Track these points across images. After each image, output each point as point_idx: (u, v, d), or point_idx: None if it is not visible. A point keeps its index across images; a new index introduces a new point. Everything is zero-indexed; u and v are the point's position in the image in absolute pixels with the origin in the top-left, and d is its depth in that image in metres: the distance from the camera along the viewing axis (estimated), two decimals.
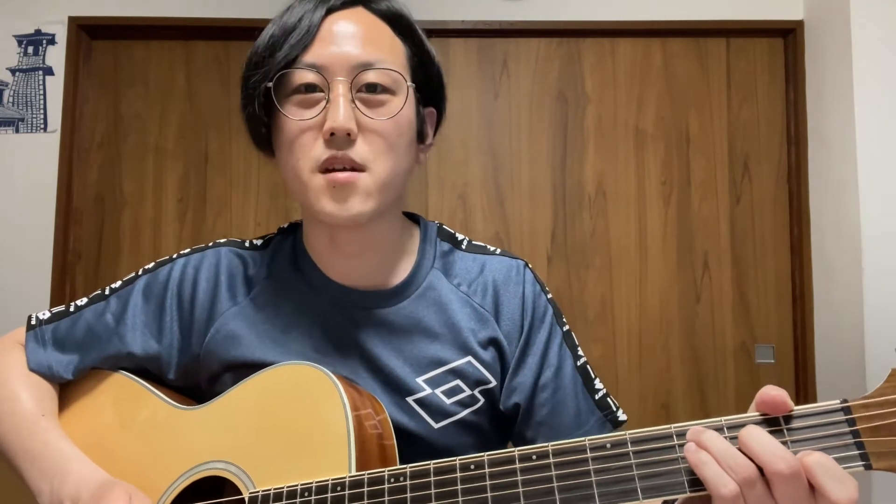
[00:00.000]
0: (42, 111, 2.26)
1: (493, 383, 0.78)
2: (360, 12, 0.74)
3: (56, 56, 2.27)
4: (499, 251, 0.84)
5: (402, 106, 0.72)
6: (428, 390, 0.76)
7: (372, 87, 0.70)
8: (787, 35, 2.36)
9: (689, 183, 2.36)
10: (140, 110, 2.34)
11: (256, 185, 2.34)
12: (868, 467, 0.47)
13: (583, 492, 0.54)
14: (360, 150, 0.69)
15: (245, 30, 2.30)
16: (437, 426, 0.75)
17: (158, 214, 2.32)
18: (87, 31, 2.32)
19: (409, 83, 0.73)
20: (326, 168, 0.69)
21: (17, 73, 2.26)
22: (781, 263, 2.34)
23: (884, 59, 2.01)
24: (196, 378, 0.81)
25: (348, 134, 0.68)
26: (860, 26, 2.04)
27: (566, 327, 0.83)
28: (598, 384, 0.81)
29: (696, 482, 0.51)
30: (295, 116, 0.70)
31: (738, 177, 2.36)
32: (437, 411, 0.76)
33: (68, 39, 2.27)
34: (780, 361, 2.31)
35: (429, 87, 0.78)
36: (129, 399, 0.79)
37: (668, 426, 0.54)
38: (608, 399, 0.81)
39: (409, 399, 0.75)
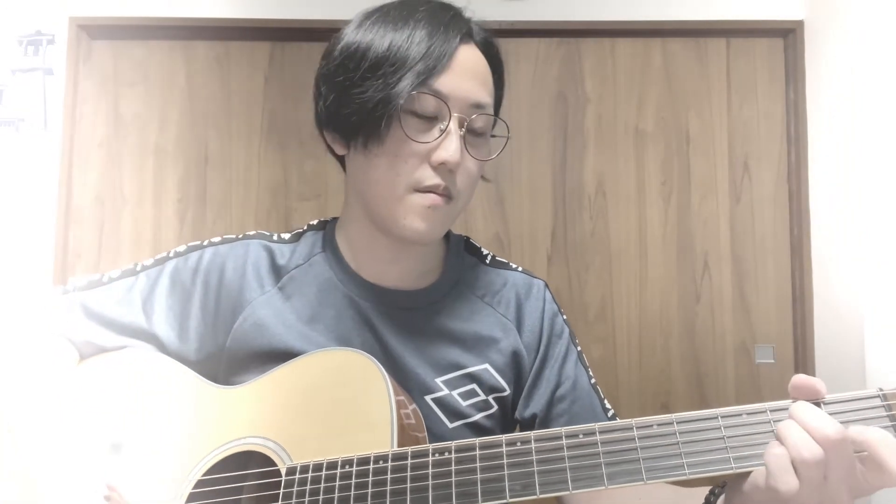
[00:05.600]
0: (42, 111, 2.25)
1: (507, 392, 0.82)
2: (474, 49, 0.77)
3: (56, 56, 2.27)
4: (520, 269, 0.90)
5: (491, 151, 0.79)
6: (445, 391, 0.79)
7: (478, 130, 0.76)
8: (787, 35, 2.36)
9: (689, 183, 2.36)
10: (140, 110, 2.34)
11: (256, 184, 2.34)
12: None
13: (629, 466, 0.56)
14: (458, 183, 0.75)
15: (245, 30, 2.31)
16: (451, 426, 0.78)
17: (158, 214, 2.32)
18: (86, 31, 2.32)
19: (509, 134, 0.80)
20: (427, 189, 0.74)
21: (16, 73, 2.26)
22: (781, 263, 2.34)
23: (884, 59, 2.01)
24: (215, 370, 0.81)
25: None
26: (860, 26, 2.04)
27: (579, 348, 0.87)
28: (607, 404, 0.86)
29: (742, 458, 0.54)
30: (414, 136, 0.73)
31: (738, 177, 2.36)
32: (453, 412, 0.79)
33: (68, 39, 2.27)
34: (780, 361, 2.31)
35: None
36: (163, 375, 0.79)
37: (714, 410, 0.57)
38: (617, 419, 0.84)
39: (427, 398, 0.78)
